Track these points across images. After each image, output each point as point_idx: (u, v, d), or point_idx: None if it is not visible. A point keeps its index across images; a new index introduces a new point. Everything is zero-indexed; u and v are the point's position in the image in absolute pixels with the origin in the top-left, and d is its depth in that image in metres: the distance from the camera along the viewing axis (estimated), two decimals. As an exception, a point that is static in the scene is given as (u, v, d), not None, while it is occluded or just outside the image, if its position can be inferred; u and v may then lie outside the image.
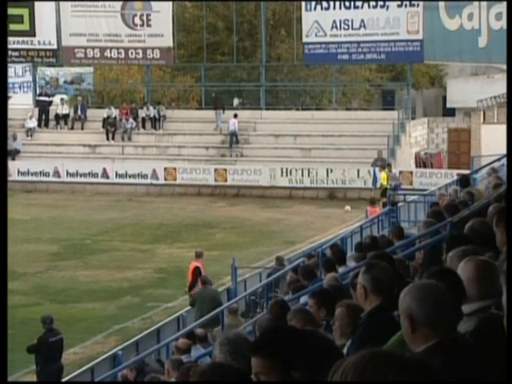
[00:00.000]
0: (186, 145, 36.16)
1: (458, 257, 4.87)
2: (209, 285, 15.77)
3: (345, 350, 4.87)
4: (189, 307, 16.23)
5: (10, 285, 20.45)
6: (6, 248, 7.39)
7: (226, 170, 34.15)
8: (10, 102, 43.11)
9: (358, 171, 32.39)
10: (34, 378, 13.79)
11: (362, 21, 34.90)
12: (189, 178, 34.19)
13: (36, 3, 37.84)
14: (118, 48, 37.73)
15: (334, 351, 3.50)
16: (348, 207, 29.75)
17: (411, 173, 32.93)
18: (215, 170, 34.18)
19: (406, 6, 34.36)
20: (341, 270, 9.93)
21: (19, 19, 37.82)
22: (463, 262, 4.25)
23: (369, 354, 2.38)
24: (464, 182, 13.28)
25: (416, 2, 34.17)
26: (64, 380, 13.13)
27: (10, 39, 37.94)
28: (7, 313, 6.92)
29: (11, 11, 37.77)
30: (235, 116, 36.09)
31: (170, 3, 37.54)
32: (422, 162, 35.75)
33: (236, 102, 38.75)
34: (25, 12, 37.85)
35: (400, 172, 32.59)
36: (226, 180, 33.95)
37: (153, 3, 37.22)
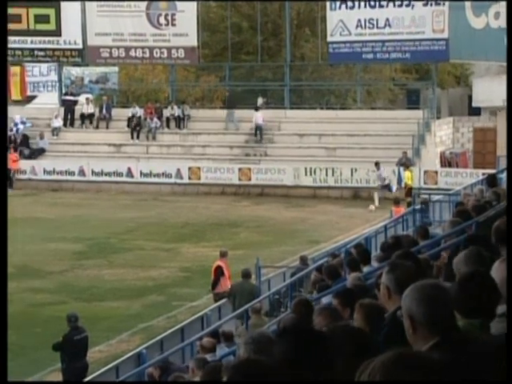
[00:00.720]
0: (210, 144, 36.23)
1: (463, 261, 4.86)
2: (249, 278, 15.88)
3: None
4: (213, 306, 16.28)
5: (35, 283, 20.69)
6: (6, 248, 7.41)
7: (250, 169, 34.19)
8: (37, 101, 43.48)
9: (383, 171, 32.25)
10: (59, 376, 13.88)
11: (387, 20, 34.78)
12: (213, 177, 34.27)
13: (62, 3, 38.05)
14: (142, 47, 37.88)
15: (360, 351, 3.49)
16: (372, 206, 29.68)
17: (436, 172, 32.78)
18: (239, 169, 34.22)
19: (431, 4, 34.19)
20: (365, 269, 9.90)
21: (45, 19, 38.12)
22: (497, 263, 4.23)
23: (395, 355, 2.38)
24: (491, 181, 13.17)
25: (442, 1, 34.00)
26: (87, 379, 13.21)
27: (37, 39, 38.30)
28: (7, 313, 6.94)
29: (38, 11, 38.18)
30: (256, 109, 36.34)
31: (195, 3, 37.62)
32: (447, 161, 35.57)
33: (260, 101, 38.80)
34: (51, 12, 38.11)
35: (425, 171, 32.48)
36: (250, 179, 33.98)
37: (177, 3, 37.32)
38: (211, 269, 17.62)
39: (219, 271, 17.10)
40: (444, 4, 34.03)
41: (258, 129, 35.92)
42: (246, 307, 13.69)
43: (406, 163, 31.83)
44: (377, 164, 31.21)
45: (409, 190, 28.78)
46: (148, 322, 17.37)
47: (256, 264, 17.40)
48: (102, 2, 37.76)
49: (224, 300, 16.21)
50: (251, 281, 16.19)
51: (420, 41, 34.63)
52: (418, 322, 3.29)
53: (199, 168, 34.63)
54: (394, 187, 30.26)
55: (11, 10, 37.81)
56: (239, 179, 34.07)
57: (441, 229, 13.94)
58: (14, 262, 22.24)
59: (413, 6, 34.33)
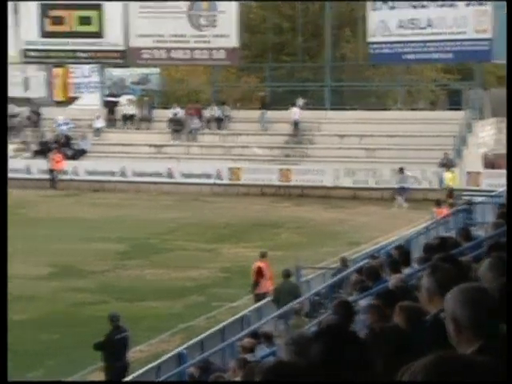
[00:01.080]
0: (250, 145, 36.28)
1: (487, 269, 4.81)
2: (290, 278, 15.93)
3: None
4: (253, 306, 16.29)
5: (77, 283, 20.91)
6: (6, 248, 7.43)
7: (289, 169, 34.18)
8: (79, 102, 43.91)
9: (424, 172, 32.06)
10: (101, 375, 14.00)
11: (429, 20, 34.54)
12: (253, 178, 34.31)
13: (104, 5, 38.37)
14: (183, 49, 38.06)
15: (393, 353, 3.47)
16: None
17: (478, 174, 32.46)
18: (279, 170, 34.23)
19: (474, 4, 33.88)
20: (406, 271, 9.84)
21: (88, 21, 38.49)
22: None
23: (437, 358, 2.37)
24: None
25: (484, 1, 33.67)
26: (128, 378, 13.30)
27: (79, 40, 38.67)
28: (7, 313, 6.98)
29: (81, 13, 38.59)
30: (295, 105, 36.34)
31: (236, 4, 37.68)
32: (490, 162, 35.20)
33: (300, 102, 38.79)
34: (93, 14, 38.47)
35: (468, 173, 32.19)
36: (289, 180, 33.96)
37: (218, 4, 37.43)
38: (251, 270, 17.65)
39: (259, 272, 17.13)
40: (487, 4, 33.70)
41: (296, 124, 35.99)
42: (286, 307, 13.70)
43: (447, 164, 31.59)
44: (401, 169, 31.06)
45: (450, 192, 28.54)
46: (188, 323, 17.43)
47: (296, 265, 17.38)
48: (144, 4, 38.01)
49: (264, 301, 16.23)
50: (292, 280, 16.20)
51: (462, 41, 34.34)
52: (463, 325, 3.26)
53: (239, 169, 34.70)
54: (401, 199, 30.56)
55: (54, 13, 38.39)
56: (279, 180, 34.07)
57: (483, 230, 13.80)
58: (57, 262, 22.52)
59: (455, 5, 34.05)
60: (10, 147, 37.69)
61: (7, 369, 6.75)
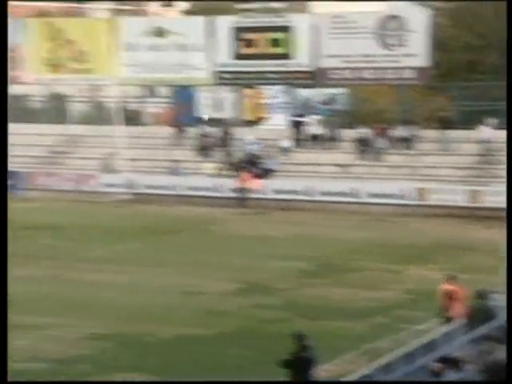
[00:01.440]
0: (438, 165, 35.61)
1: None
2: (483, 299, 15.51)
3: None
4: (441, 330, 15.92)
5: (263, 299, 21.26)
6: (6, 249, 7.54)
7: (480, 191, 33.23)
8: (267, 122, 44.81)
9: None
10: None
11: None
12: (441, 198, 33.64)
13: (292, 27, 39.01)
14: (371, 68, 38.00)
15: None
16: None
17: None
18: (469, 190, 33.37)
19: None
20: None
21: (276, 43, 39.36)
22: None
23: None
24: None
25: None
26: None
27: (269, 62, 39.56)
28: (7, 313, 7.05)
29: (270, 36, 39.59)
30: (485, 124, 35.29)
31: (426, 23, 37.06)
32: None
33: (491, 121, 37.69)
34: (282, 36, 39.24)
35: None
36: (480, 201, 33.00)
37: (409, 24, 36.98)
38: (439, 292, 17.27)
39: (448, 295, 16.74)
40: None
41: (486, 144, 35.01)
42: (477, 332, 13.31)
43: None
44: None
45: None
46: (373, 344, 17.28)
47: (487, 289, 16.83)
48: (334, 25, 38.27)
49: (453, 324, 15.83)
50: (486, 302, 15.70)
51: None
52: None
53: (426, 189, 34.12)
54: None
55: (247, 35, 39.68)
56: (468, 201, 33.19)
57: None
58: (244, 278, 23.03)
59: None
60: (207, 166, 39.05)
61: (7, 369, 6.82)
